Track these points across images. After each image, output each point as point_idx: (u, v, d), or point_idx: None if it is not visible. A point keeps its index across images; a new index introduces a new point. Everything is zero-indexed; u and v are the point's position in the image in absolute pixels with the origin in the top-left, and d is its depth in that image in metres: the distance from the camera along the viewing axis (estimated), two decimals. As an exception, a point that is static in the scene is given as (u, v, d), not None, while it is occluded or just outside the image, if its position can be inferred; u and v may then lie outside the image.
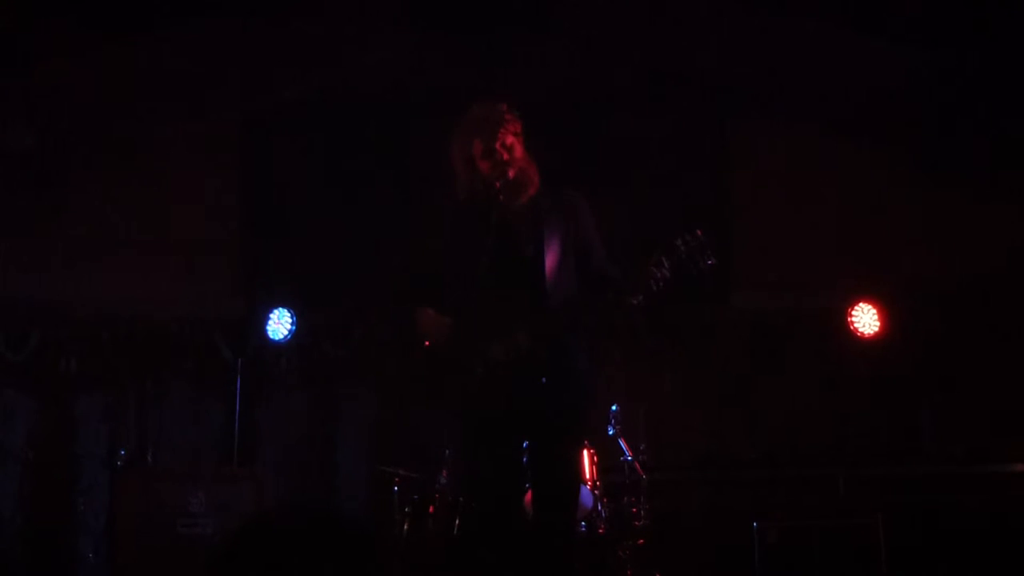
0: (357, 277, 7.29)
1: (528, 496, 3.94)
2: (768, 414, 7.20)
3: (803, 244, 7.37)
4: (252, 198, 7.69)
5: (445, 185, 3.98)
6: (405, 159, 7.20)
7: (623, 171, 7.28)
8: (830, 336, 7.29)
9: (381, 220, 7.14)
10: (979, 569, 5.88)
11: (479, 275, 3.71)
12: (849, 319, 7.17)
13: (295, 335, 7.25)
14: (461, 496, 5.15)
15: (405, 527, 5.69)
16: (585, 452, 5.48)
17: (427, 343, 3.89)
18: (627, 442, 5.86)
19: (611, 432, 5.81)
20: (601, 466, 5.67)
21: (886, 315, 7.17)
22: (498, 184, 3.80)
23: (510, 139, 3.84)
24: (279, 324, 7.23)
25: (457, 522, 5.30)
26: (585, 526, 5.46)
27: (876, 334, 7.17)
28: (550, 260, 3.79)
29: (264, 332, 7.24)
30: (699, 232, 3.70)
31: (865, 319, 7.18)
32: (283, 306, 7.24)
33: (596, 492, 5.54)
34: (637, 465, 5.82)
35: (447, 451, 5.77)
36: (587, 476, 5.52)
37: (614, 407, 5.84)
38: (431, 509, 5.68)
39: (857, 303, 7.19)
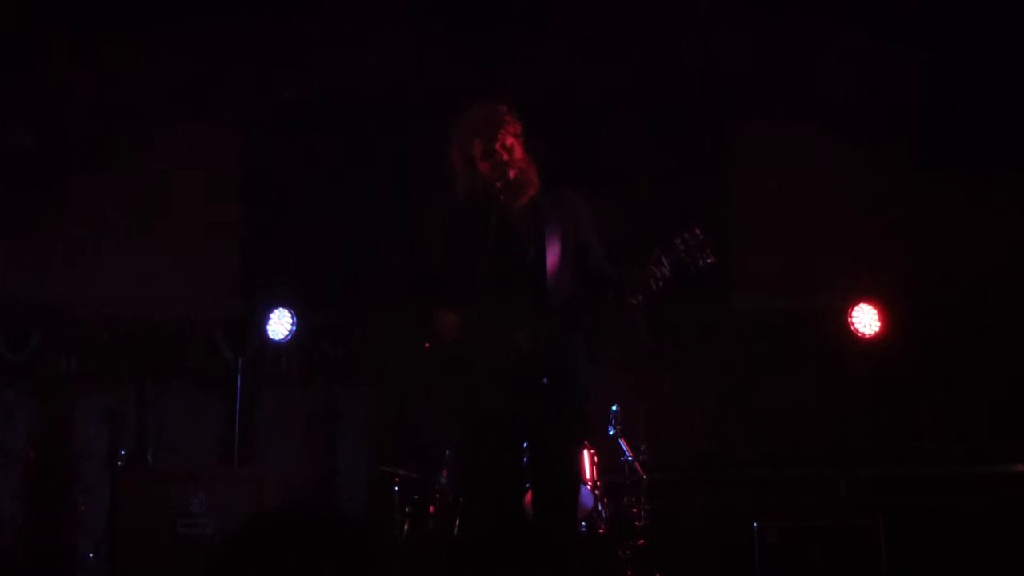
0: (357, 277, 7.29)
1: (528, 496, 3.94)
2: (768, 414, 7.20)
3: (803, 244, 7.37)
4: (252, 198, 7.69)
5: (445, 185, 3.98)
6: (405, 159, 7.19)
7: (623, 171, 7.28)
8: (830, 336, 7.28)
9: (381, 220, 7.13)
10: (979, 569, 5.88)
11: (479, 276, 3.71)
12: (849, 319, 7.16)
13: (295, 335, 7.24)
14: (461, 496, 5.14)
15: (405, 527, 5.69)
16: (585, 452, 5.48)
17: (427, 344, 3.89)
18: (627, 442, 5.86)
19: (611, 432, 5.81)
20: (601, 466, 5.67)
21: (886, 315, 7.16)
22: (498, 185, 3.80)
23: (510, 140, 3.85)
24: (279, 324, 7.21)
25: (457, 522, 5.31)
26: (585, 526, 5.46)
27: (876, 334, 7.15)
28: (550, 260, 3.79)
29: (264, 332, 7.23)
30: (698, 231, 3.72)
31: (865, 319, 7.17)
32: (283, 306, 7.22)
33: (596, 492, 5.54)
34: (637, 465, 5.82)
35: (447, 451, 5.77)
36: (587, 476, 5.52)
37: (614, 407, 5.84)
38: (431, 509, 5.68)
39: (857, 303, 7.19)
